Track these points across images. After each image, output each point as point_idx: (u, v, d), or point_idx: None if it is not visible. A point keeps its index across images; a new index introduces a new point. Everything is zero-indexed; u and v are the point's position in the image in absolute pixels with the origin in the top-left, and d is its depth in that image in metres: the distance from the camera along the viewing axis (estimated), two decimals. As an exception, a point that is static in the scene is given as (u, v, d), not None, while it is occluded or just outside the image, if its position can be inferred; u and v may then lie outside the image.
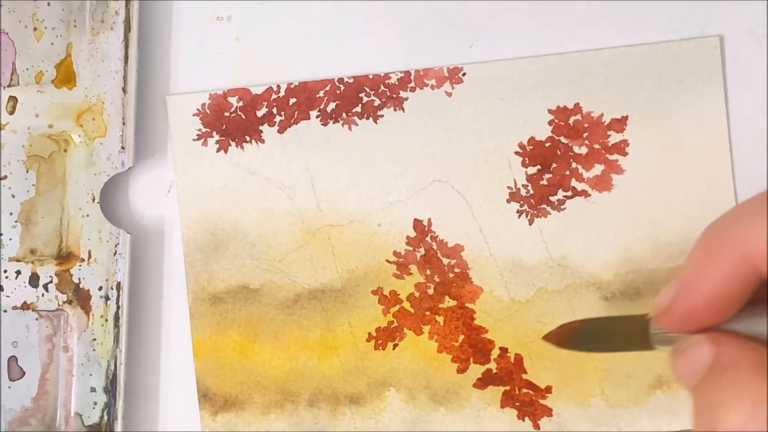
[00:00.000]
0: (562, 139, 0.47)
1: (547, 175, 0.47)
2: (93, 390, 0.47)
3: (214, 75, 0.49)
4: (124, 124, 0.47)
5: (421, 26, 0.48)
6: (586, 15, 0.48)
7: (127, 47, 0.47)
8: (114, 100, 0.47)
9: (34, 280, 0.47)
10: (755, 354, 0.29)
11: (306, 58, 0.49)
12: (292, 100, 0.48)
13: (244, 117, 0.49)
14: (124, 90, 0.47)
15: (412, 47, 0.48)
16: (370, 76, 0.48)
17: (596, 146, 0.47)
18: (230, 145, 0.49)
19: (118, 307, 0.47)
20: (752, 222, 0.30)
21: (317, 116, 0.48)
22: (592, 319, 0.43)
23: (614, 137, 0.47)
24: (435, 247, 0.48)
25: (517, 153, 0.48)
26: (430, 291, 0.48)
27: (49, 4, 0.47)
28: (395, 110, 0.48)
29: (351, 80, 0.48)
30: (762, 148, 0.47)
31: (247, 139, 0.49)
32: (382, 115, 0.48)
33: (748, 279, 0.30)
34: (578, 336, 0.43)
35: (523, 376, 0.47)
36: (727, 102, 0.47)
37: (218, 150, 0.49)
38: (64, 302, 0.47)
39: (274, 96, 0.48)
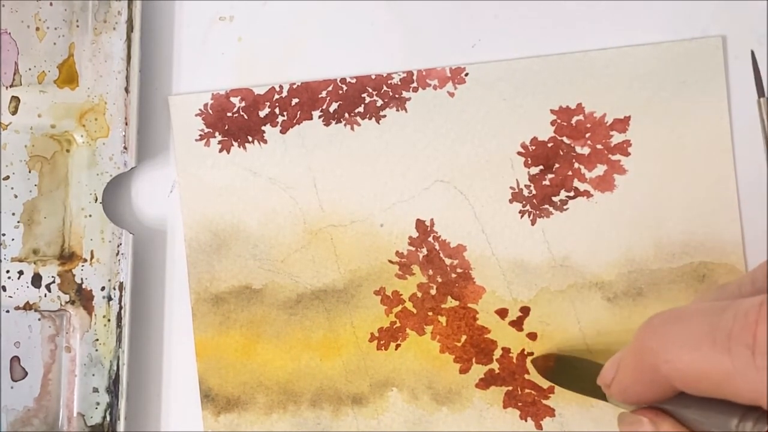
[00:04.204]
0: (565, 139, 0.47)
1: (550, 176, 0.47)
2: (95, 390, 0.47)
3: (217, 75, 0.49)
4: (126, 124, 0.47)
5: (424, 27, 0.48)
6: (588, 15, 0.48)
7: (129, 47, 0.47)
8: (116, 100, 0.47)
9: (36, 280, 0.47)
10: None
11: (308, 59, 0.49)
12: (295, 101, 0.48)
13: (246, 117, 0.49)
14: (126, 90, 0.47)
15: (414, 48, 0.49)
16: (373, 77, 0.48)
17: (599, 146, 0.47)
18: (233, 145, 0.49)
19: (120, 308, 0.47)
20: (665, 343, 0.32)
21: (320, 116, 0.48)
22: (570, 356, 0.46)
23: (617, 137, 0.47)
24: (437, 247, 0.48)
25: (519, 153, 0.48)
26: (433, 291, 0.48)
27: (51, 4, 0.47)
28: (398, 110, 0.48)
29: (353, 80, 0.48)
30: (764, 147, 0.47)
31: (250, 139, 0.49)
32: (385, 116, 0.48)
33: (668, 389, 0.33)
34: (556, 369, 0.46)
35: (526, 376, 0.47)
36: (730, 102, 0.47)
37: (220, 150, 0.49)
38: (66, 302, 0.47)
39: (276, 96, 0.49)
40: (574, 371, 0.45)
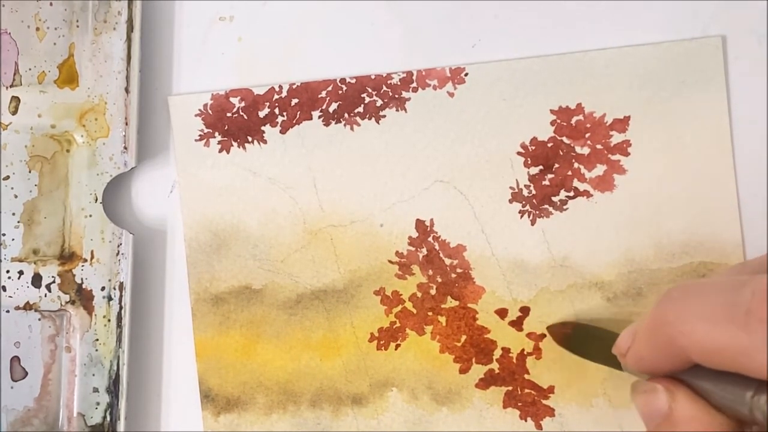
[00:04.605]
0: (565, 139, 0.47)
1: (550, 176, 0.47)
2: (95, 390, 0.47)
3: (217, 75, 0.49)
4: (126, 124, 0.47)
5: (424, 27, 0.48)
6: (588, 15, 0.48)
7: (129, 47, 0.47)
8: (116, 100, 0.47)
9: (36, 280, 0.47)
10: (706, 416, 0.34)
11: (308, 59, 0.49)
12: (294, 101, 0.48)
13: (246, 117, 0.49)
14: (126, 90, 0.47)
15: (414, 48, 0.49)
16: (372, 77, 0.48)
17: (598, 146, 0.47)
18: (232, 145, 0.49)
19: (120, 308, 0.47)
20: (682, 315, 0.32)
21: (319, 116, 0.48)
22: (588, 325, 0.46)
23: (616, 137, 0.47)
24: (437, 247, 0.48)
25: (519, 153, 0.48)
26: (433, 291, 0.48)
27: (51, 4, 0.48)
28: (397, 110, 0.48)
29: (353, 80, 0.48)
30: (764, 147, 0.47)
31: (249, 139, 0.49)
32: (385, 116, 0.48)
33: (684, 361, 0.33)
34: (573, 336, 0.46)
35: (526, 376, 0.47)
36: (729, 102, 0.47)
37: (220, 150, 0.49)
38: (66, 302, 0.47)
39: (276, 96, 0.49)
40: (591, 340, 0.45)
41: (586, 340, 0.45)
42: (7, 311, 0.47)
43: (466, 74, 0.48)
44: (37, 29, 0.48)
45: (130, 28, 0.47)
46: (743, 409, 0.32)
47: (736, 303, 0.30)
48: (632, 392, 0.37)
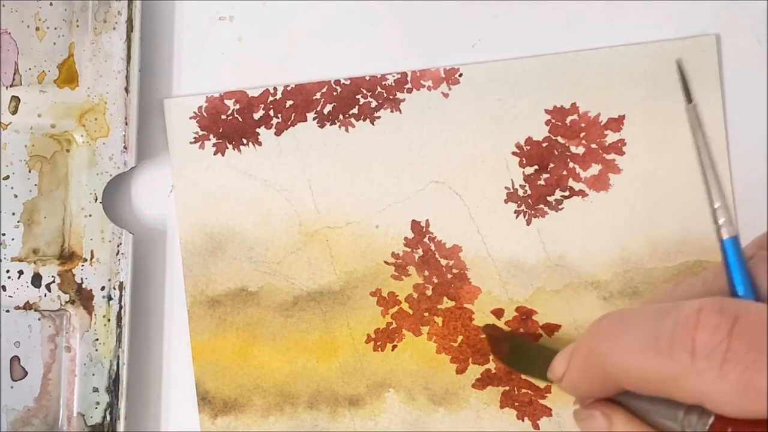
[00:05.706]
0: (559, 139, 0.47)
1: (545, 175, 0.47)
2: (95, 390, 0.47)
3: (217, 75, 0.50)
4: (126, 124, 0.48)
5: (418, 27, 0.49)
6: (583, 15, 0.48)
7: (129, 47, 0.48)
8: (116, 100, 0.48)
9: (36, 280, 0.48)
10: None
11: (309, 59, 0.49)
12: (289, 102, 0.49)
13: (240, 119, 0.49)
14: (126, 90, 0.48)
15: (408, 48, 0.49)
16: (367, 78, 0.49)
17: (593, 146, 0.47)
18: (227, 147, 0.49)
19: (120, 307, 0.47)
20: (612, 347, 0.33)
21: (314, 118, 0.49)
22: (524, 341, 0.47)
23: (611, 137, 0.47)
24: (433, 248, 0.48)
25: (514, 153, 0.48)
26: (429, 292, 0.48)
27: (51, 4, 0.48)
28: (392, 111, 0.48)
29: (347, 82, 0.49)
30: (760, 146, 0.46)
31: (244, 141, 0.49)
32: (379, 117, 0.48)
33: (618, 387, 0.34)
34: (511, 353, 0.46)
35: (523, 376, 0.47)
36: (725, 101, 0.47)
37: (215, 153, 0.49)
38: (66, 302, 0.47)
39: (270, 98, 0.49)
40: (527, 356, 0.45)
41: (522, 355, 0.46)
42: (7, 311, 0.47)
43: (461, 75, 0.48)
44: (37, 29, 0.48)
45: (130, 28, 0.48)
46: (676, 427, 0.33)
47: (660, 334, 0.31)
48: (575, 420, 0.38)
